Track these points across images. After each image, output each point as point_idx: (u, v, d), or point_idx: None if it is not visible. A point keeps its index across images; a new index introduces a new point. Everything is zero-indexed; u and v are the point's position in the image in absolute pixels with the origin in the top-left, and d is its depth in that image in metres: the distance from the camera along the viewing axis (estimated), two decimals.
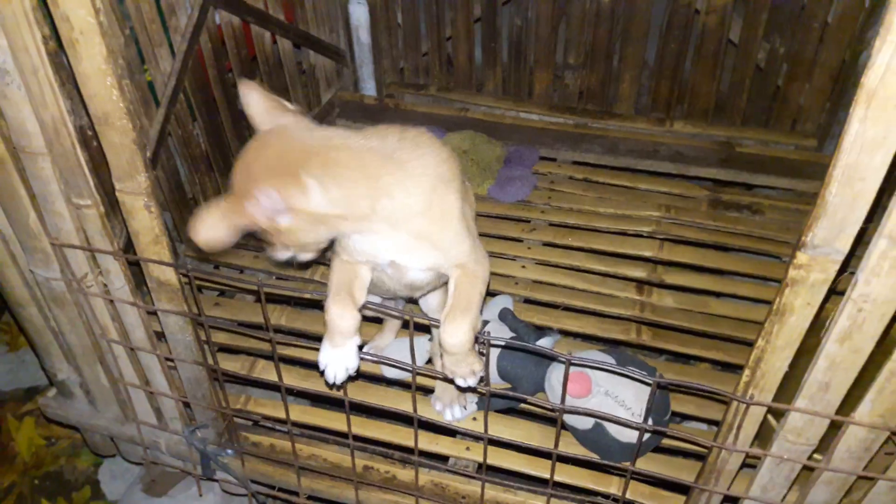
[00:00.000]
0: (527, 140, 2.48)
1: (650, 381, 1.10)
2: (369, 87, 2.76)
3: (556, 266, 2.03)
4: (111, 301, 1.45)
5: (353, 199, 1.11)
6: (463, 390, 1.45)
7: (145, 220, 1.26)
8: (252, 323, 1.80)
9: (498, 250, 2.07)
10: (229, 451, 1.66)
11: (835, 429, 1.11)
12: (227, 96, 2.14)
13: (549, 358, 1.58)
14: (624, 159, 2.42)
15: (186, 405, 1.66)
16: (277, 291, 1.90)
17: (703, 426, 1.78)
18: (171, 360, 1.54)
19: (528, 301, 1.93)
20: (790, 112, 2.47)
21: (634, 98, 2.61)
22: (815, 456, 1.16)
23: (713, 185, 2.35)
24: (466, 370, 1.25)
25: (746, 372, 1.08)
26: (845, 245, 0.87)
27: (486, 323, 1.69)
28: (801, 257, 0.90)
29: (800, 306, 0.95)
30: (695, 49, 2.44)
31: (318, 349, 1.30)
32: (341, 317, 1.24)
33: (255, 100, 1.18)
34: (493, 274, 1.97)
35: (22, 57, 1.11)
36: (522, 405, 1.65)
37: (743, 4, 2.35)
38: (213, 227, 1.10)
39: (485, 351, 1.17)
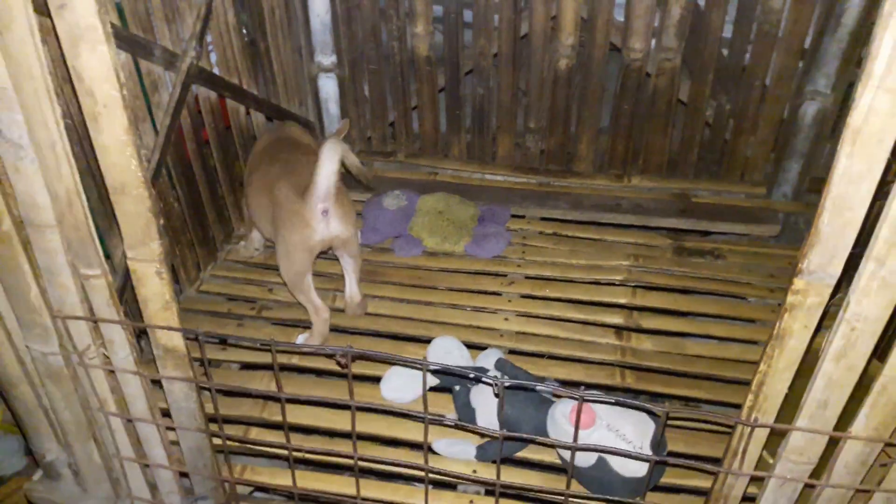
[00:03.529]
0: (495, 199, 2.58)
1: (658, 411, 1.16)
2: None
3: (537, 317, 2.10)
4: (112, 372, 1.44)
5: None
6: None
7: (156, 287, 1.28)
8: (259, 392, 1.80)
9: (479, 304, 2.13)
10: None
11: (831, 447, 1.19)
12: (205, 168, 2.18)
13: (548, 401, 1.63)
14: (589, 213, 2.54)
15: (184, 476, 1.63)
16: (290, 351, 1.95)
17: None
18: (173, 429, 1.52)
19: (513, 352, 1.98)
20: (738, 164, 2.64)
21: (593, 157, 2.76)
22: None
23: (674, 233, 2.48)
24: None
25: (749, 397, 1.15)
26: (837, 270, 0.96)
27: (484, 371, 1.73)
28: (798, 283, 0.99)
29: (798, 329, 1.04)
30: (647, 109, 2.61)
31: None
32: None
33: None
34: (478, 327, 2.04)
35: (40, 131, 1.14)
36: (517, 454, 1.68)
37: (690, 66, 2.53)
38: None
39: (498, 392, 1.21)
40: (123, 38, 1.78)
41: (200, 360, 1.35)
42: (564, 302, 2.15)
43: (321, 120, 2.78)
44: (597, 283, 2.21)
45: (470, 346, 1.89)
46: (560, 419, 1.56)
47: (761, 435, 1.19)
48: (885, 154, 0.86)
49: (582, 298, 2.16)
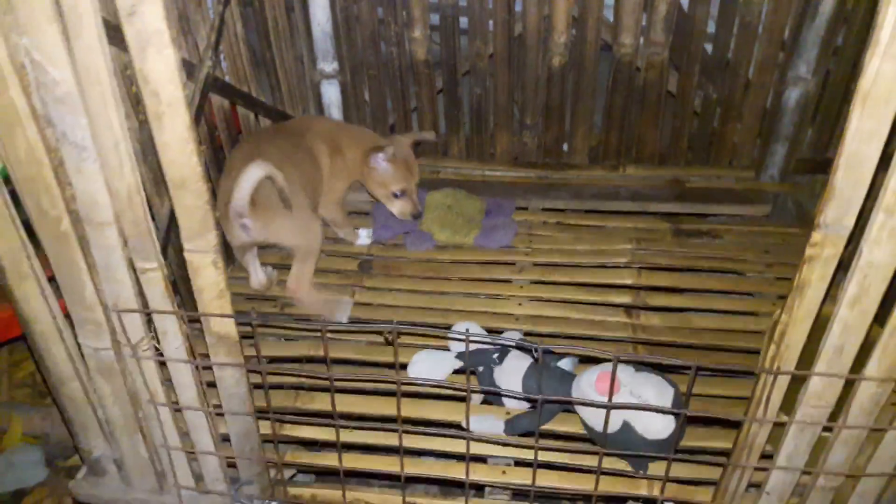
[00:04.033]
0: (497, 194, 2.68)
1: (689, 365, 1.26)
2: None
3: (549, 301, 2.20)
4: (163, 364, 1.51)
5: None
6: None
7: (211, 277, 1.35)
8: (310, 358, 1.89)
9: (493, 291, 2.23)
10: (275, 503, 1.70)
11: (846, 391, 1.30)
12: (220, 172, 2.26)
13: (570, 375, 1.74)
14: (589, 202, 2.66)
15: (230, 467, 1.70)
16: (340, 329, 2.08)
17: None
18: (221, 415, 1.59)
19: (529, 334, 2.08)
20: (727, 149, 2.78)
21: (588, 149, 2.88)
22: None
23: (672, 217, 2.61)
24: None
25: (772, 347, 1.26)
26: (851, 221, 1.07)
27: (507, 351, 1.83)
28: (816, 236, 1.10)
29: (816, 280, 1.15)
30: (638, 102, 2.73)
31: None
32: None
33: None
34: (493, 313, 2.14)
35: (104, 133, 1.22)
36: (543, 427, 1.78)
37: (677, 60, 2.67)
38: None
39: (537, 356, 1.31)
40: None
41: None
42: (574, 285, 2.25)
43: None
44: (603, 266, 2.32)
45: (488, 330, 1.99)
46: (586, 388, 1.65)
47: (783, 383, 1.29)
48: (891, 114, 0.97)
49: (590, 281, 2.26)
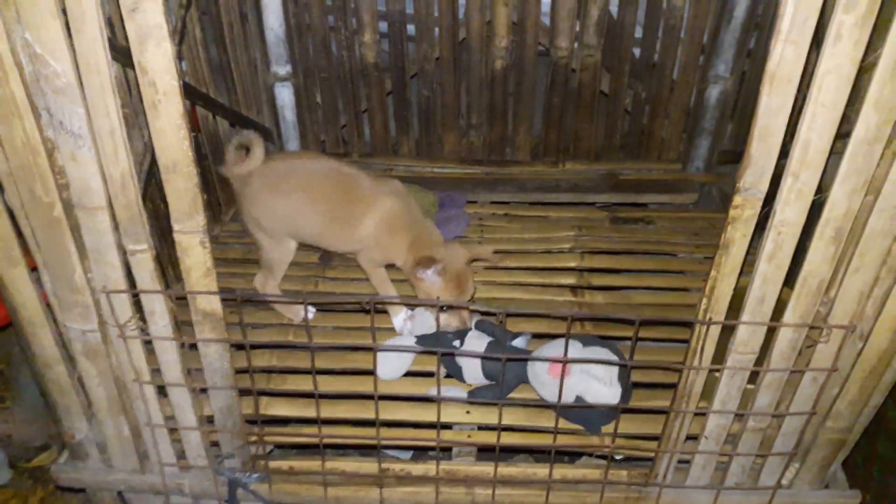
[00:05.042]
0: (448, 189, 2.84)
1: (633, 318, 1.43)
2: None
3: (502, 284, 2.36)
4: (148, 343, 1.60)
5: None
6: None
7: (199, 256, 1.46)
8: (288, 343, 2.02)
9: None
10: (255, 476, 1.80)
11: (769, 338, 1.50)
12: None
13: (525, 353, 1.90)
14: (533, 195, 2.85)
15: (213, 444, 1.79)
16: (321, 301, 2.19)
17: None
18: (204, 391, 1.68)
19: (486, 314, 2.23)
20: (656, 144, 3.02)
21: (530, 147, 3.07)
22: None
23: (609, 207, 2.82)
24: None
25: (703, 300, 1.44)
26: (765, 185, 1.27)
27: (466, 332, 1.97)
28: (737, 199, 1.29)
29: (738, 238, 1.34)
30: (574, 101, 2.94)
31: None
32: None
33: None
34: None
35: (100, 120, 1.31)
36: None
37: (609, 61, 2.89)
38: None
39: (501, 320, 1.47)
40: (119, 51, 1.93)
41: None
42: (523, 269, 2.42)
43: (278, 126, 2.98)
44: (549, 251, 2.50)
45: None
46: (539, 370, 1.82)
47: (714, 333, 1.48)
48: (794, 91, 1.16)
49: (538, 265, 2.44)
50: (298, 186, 2.09)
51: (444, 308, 2.06)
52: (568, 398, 1.79)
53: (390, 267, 2.17)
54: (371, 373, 1.59)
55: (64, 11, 1.21)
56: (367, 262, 2.15)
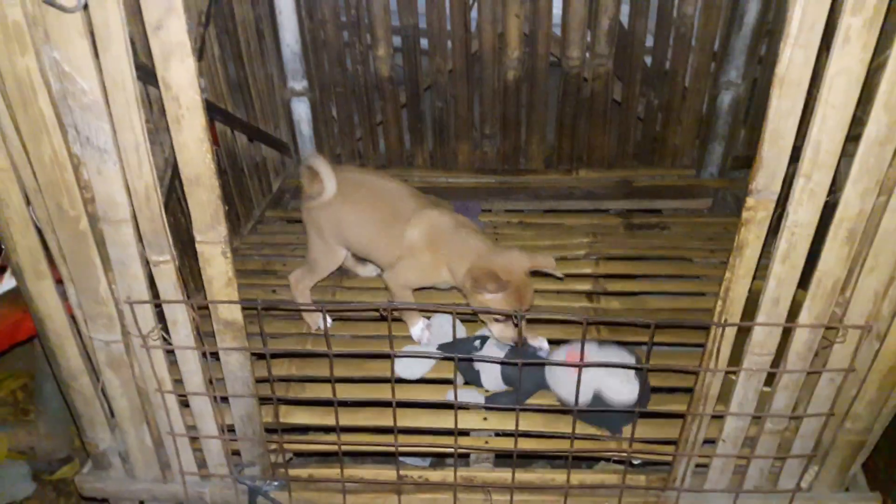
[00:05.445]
0: (462, 198, 2.86)
1: (645, 322, 1.44)
2: None
3: None
4: (170, 352, 1.63)
5: None
6: None
7: (221, 266, 1.49)
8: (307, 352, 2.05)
9: None
10: (276, 484, 1.83)
11: (785, 338, 1.51)
12: None
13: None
14: (547, 203, 2.87)
15: (234, 454, 1.82)
16: (339, 309, 2.22)
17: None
18: (225, 400, 1.71)
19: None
20: (669, 151, 3.04)
21: (543, 156, 3.10)
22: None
23: (623, 213, 2.84)
24: None
25: (719, 303, 1.45)
26: (777, 187, 1.28)
27: (487, 337, 1.99)
28: (750, 201, 1.30)
29: (752, 240, 1.35)
30: (587, 110, 2.97)
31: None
32: None
33: None
34: (469, 305, 2.30)
35: (125, 135, 1.35)
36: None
37: (621, 70, 2.91)
38: None
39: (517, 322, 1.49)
40: (140, 68, 1.98)
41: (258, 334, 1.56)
42: (538, 276, 2.43)
43: (295, 140, 3.02)
44: (563, 258, 2.52)
45: (463, 321, 2.15)
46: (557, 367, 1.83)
47: (730, 335, 1.49)
48: (803, 94, 1.18)
49: None
50: (361, 198, 2.13)
51: (500, 318, 1.93)
52: (586, 395, 1.80)
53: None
54: (389, 380, 1.61)
55: (91, 31, 1.25)
56: (395, 282, 2.09)
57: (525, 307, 1.90)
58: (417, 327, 2.11)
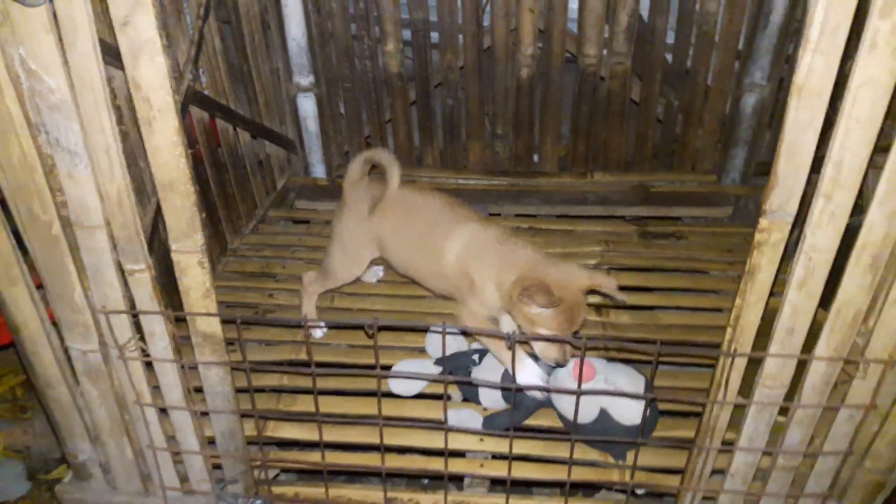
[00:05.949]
0: (471, 201, 2.74)
1: (651, 349, 1.34)
2: (319, 171, 2.99)
3: None
4: (149, 364, 1.56)
5: None
6: None
7: (198, 276, 1.41)
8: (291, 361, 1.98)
9: None
10: (259, 502, 1.75)
11: (799, 371, 1.39)
12: (199, 185, 2.31)
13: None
14: (559, 208, 2.76)
15: (216, 468, 1.75)
16: (319, 325, 2.13)
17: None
18: (206, 414, 1.64)
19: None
20: (690, 155, 2.90)
21: (557, 157, 2.98)
22: None
23: (638, 220, 2.71)
24: None
25: (728, 331, 1.34)
26: (794, 207, 1.16)
27: (486, 351, 1.89)
28: (763, 223, 1.19)
29: (765, 264, 1.24)
30: (603, 110, 2.85)
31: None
32: None
33: None
34: None
35: (96, 137, 1.27)
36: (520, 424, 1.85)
37: (640, 68, 2.78)
38: None
39: (510, 345, 1.39)
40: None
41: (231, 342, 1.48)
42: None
43: (301, 137, 2.94)
44: None
45: (464, 332, 2.05)
46: (564, 375, 1.73)
47: (740, 365, 1.38)
48: (824, 105, 1.07)
49: None
50: (404, 215, 2.04)
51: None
52: (592, 411, 1.70)
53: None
54: (383, 395, 1.52)
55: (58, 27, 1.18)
56: (466, 313, 1.90)
57: (574, 329, 1.72)
58: (525, 373, 1.79)
